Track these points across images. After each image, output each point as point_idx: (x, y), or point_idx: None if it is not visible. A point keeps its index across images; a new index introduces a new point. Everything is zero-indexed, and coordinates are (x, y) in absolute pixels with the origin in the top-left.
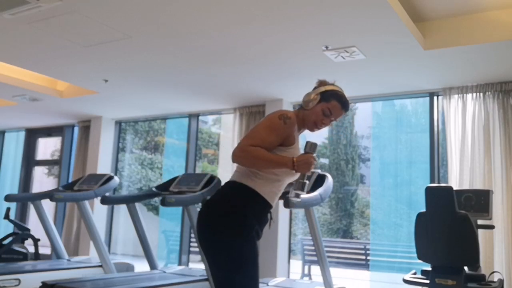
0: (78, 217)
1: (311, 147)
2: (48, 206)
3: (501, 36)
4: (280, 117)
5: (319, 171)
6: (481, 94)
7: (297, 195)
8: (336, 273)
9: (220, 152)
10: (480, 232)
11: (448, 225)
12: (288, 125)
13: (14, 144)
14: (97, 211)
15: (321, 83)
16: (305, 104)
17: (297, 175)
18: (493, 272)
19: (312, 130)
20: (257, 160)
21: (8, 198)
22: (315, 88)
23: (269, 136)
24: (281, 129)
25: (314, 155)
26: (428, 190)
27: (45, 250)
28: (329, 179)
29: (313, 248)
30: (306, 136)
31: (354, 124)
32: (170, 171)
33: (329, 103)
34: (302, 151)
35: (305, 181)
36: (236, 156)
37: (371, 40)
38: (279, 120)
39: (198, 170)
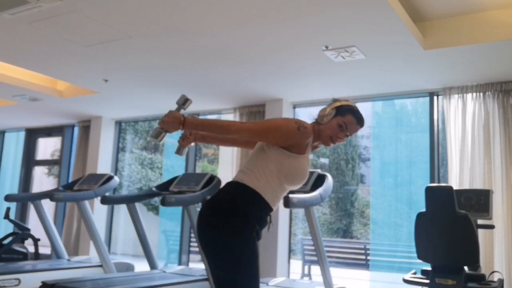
0: (78, 217)
1: (181, 99)
2: (48, 206)
3: (501, 36)
4: (296, 122)
5: (319, 171)
6: (481, 94)
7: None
8: (336, 273)
9: (220, 152)
10: (480, 232)
11: (448, 225)
12: (302, 132)
13: (14, 144)
14: (97, 211)
15: (335, 100)
16: (320, 119)
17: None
18: (493, 272)
19: (327, 144)
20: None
21: (8, 198)
22: (329, 104)
23: (275, 129)
24: (290, 132)
25: (183, 111)
26: (428, 190)
27: (45, 250)
28: (329, 179)
29: (313, 248)
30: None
31: None
32: (170, 171)
33: (344, 118)
34: (310, 163)
35: (162, 131)
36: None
37: (371, 40)
38: (294, 124)
39: (198, 170)
